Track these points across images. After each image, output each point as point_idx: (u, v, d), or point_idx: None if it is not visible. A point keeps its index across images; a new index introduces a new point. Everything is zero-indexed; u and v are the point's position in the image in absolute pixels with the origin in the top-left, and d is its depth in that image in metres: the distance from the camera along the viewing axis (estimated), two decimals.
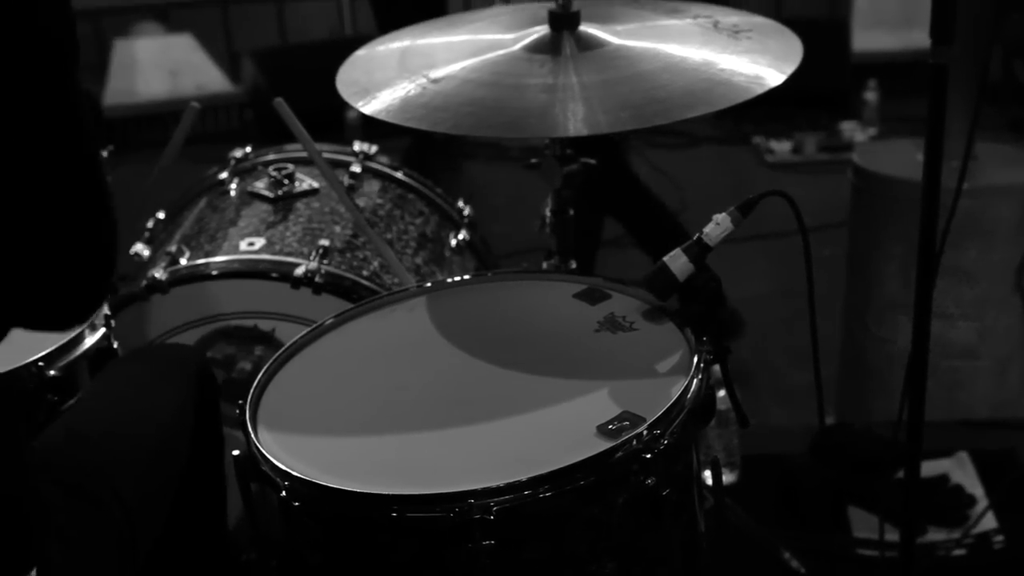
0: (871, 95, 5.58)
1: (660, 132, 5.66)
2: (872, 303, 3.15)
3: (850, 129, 5.50)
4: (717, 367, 1.59)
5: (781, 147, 5.50)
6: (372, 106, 1.78)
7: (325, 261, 2.07)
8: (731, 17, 2.00)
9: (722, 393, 1.82)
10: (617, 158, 3.87)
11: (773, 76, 1.76)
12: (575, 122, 1.68)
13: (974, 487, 2.59)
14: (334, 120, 4.72)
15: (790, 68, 1.79)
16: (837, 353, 3.26)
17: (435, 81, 1.80)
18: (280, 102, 2.05)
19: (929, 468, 2.63)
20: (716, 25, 1.96)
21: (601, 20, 1.96)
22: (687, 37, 1.91)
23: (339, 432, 1.45)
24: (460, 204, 2.57)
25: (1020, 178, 2.98)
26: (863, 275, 3.20)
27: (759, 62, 1.81)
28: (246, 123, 6.05)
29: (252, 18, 7.25)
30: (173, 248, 2.13)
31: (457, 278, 1.85)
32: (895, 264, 3.01)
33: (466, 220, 2.53)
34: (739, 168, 5.38)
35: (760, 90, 1.73)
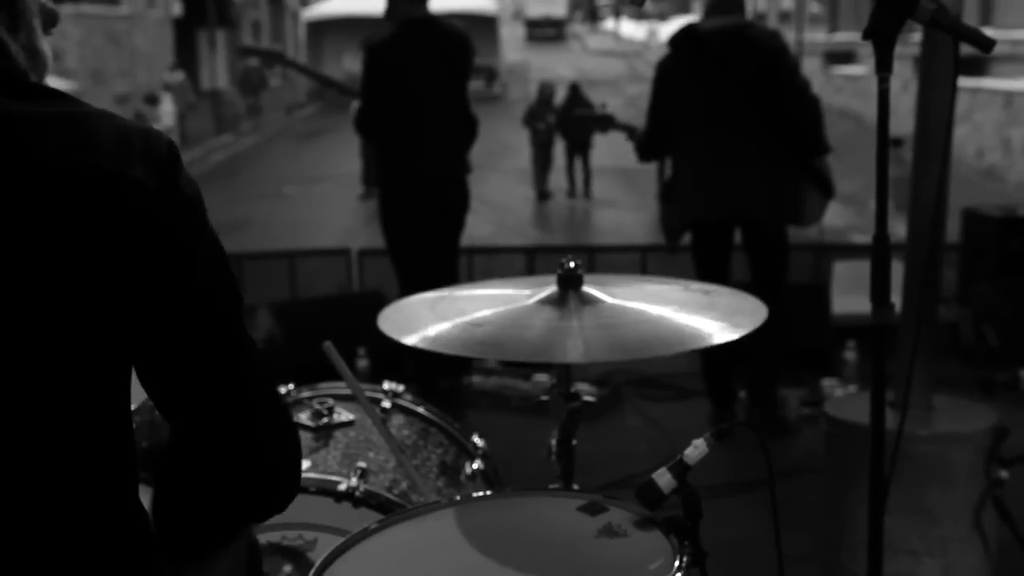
0: (850, 354, 5.83)
1: (653, 385, 6.02)
2: (845, 542, 3.38)
3: (831, 386, 5.66)
4: None
5: None
6: (433, 344, 2.13)
7: (363, 480, 2.36)
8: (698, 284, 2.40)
9: None
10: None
11: (746, 325, 2.12)
12: (578, 354, 2.07)
13: None
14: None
15: (757, 320, 2.14)
16: None
17: (477, 326, 2.16)
18: (328, 345, 2.38)
19: None
20: (687, 287, 2.37)
21: (598, 284, 2.32)
22: (668, 295, 2.30)
23: None
24: (475, 438, 2.86)
25: (974, 427, 3.26)
26: (838, 516, 3.43)
27: (733, 319, 2.16)
28: None
29: (265, 272, 7.68)
30: None
31: (479, 493, 2.13)
32: (866, 505, 3.26)
33: (480, 452, 2.81)
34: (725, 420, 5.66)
35: (735, 335, 2.08)
